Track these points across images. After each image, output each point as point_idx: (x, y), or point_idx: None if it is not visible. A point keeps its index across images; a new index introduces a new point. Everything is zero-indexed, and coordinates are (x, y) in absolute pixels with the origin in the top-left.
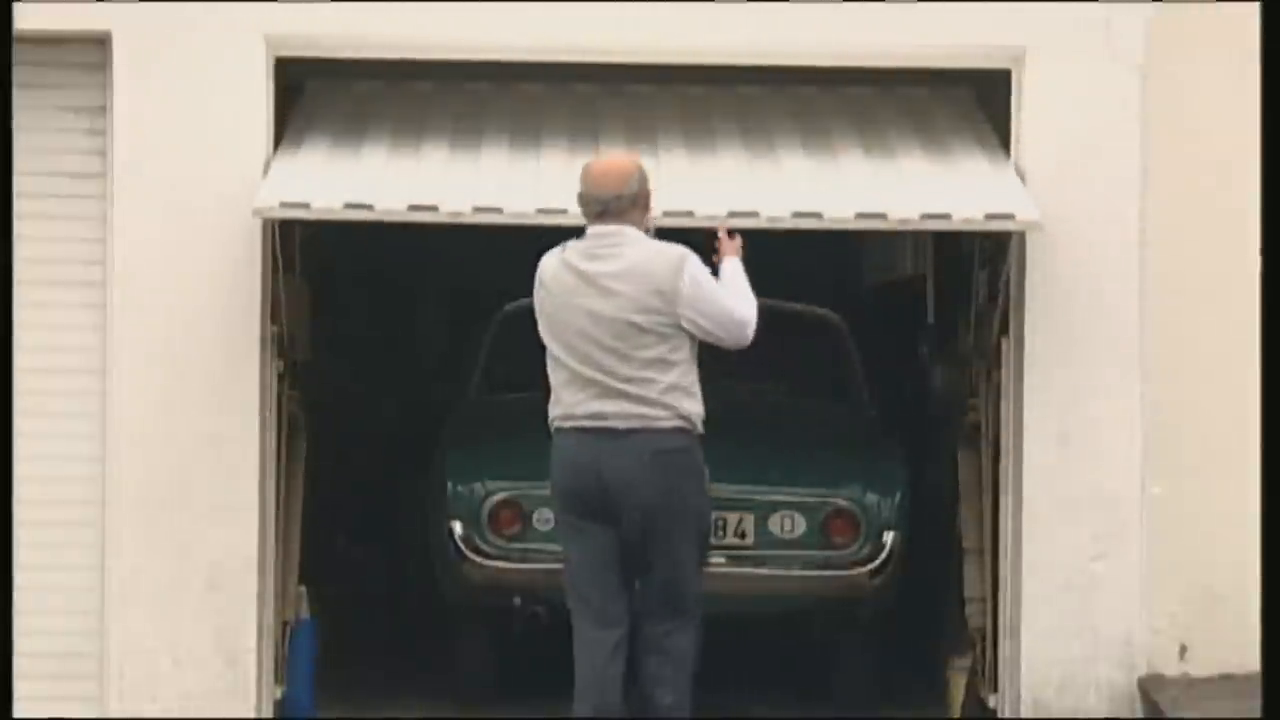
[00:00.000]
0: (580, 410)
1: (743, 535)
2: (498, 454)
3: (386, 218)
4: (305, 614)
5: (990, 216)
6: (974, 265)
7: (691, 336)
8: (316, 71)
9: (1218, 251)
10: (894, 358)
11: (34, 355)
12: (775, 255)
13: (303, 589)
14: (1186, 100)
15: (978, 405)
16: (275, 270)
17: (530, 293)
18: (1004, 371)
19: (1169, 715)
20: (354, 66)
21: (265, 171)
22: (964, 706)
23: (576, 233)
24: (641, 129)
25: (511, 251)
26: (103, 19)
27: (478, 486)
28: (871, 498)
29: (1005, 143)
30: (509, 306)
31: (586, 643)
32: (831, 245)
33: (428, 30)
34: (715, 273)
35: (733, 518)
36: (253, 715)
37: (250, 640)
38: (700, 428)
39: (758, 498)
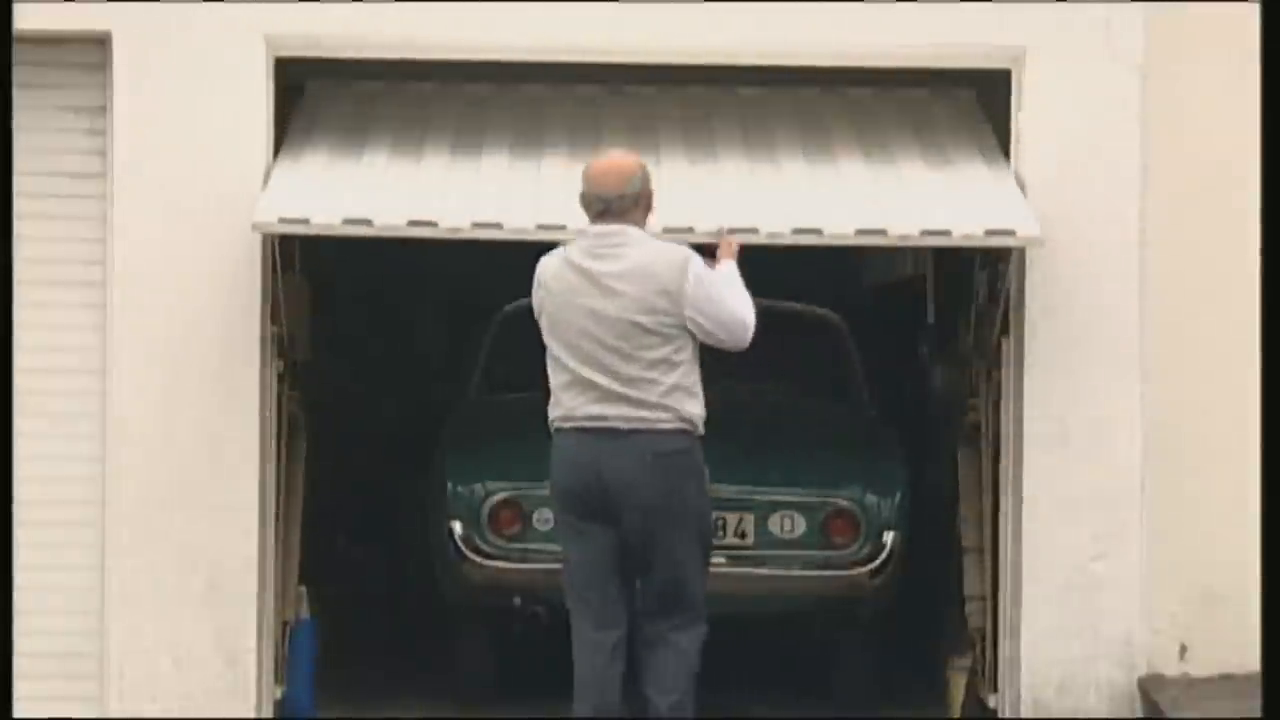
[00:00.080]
0: (581, 412)
1: (743, 535)
2: (498, 454)
3: (386, 233)
4: (305, 614)
5: (991, 233)
6: (974, 266)
7: (693, 337)
8: (316, 72)
9: (1218, 251)
10: (894, 358)
11: (34, 355)
12: (775, 255)
13: (303, 589)
14: (1186, 100)
15: (978, 405)
16: (275, 270)
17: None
18: (1004, 371)
19: (1169, 715)
20: (354, 67)
21: (266, 179)
22: (964, 706)
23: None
24: (642, 131)
25: (512, 251)
26: (103, 19)
27: (478, 486)
28: (871, 498)
29: (1005, 145)
30: (509, 306)
31: (586, 643)
32: (831, 246)
33: (428, 30)
34: None
35: (733, 518)
36: (253, 715)
37: (250, 640)
38: (701, 429)
39: (758, 498)
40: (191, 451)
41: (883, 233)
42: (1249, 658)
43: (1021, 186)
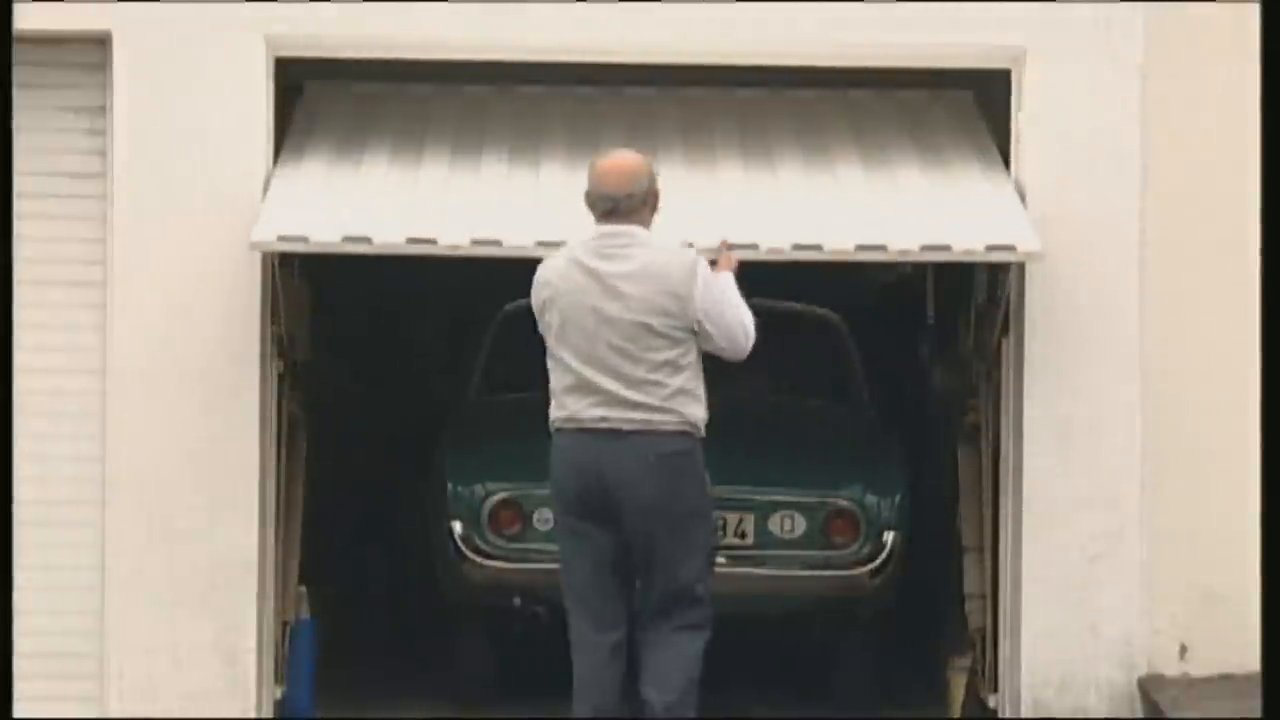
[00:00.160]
0: (584, 415)
1: (743, 535)
2: (498, 454)
3: (385, 250)
4: (305, 614)
5: (991, 248)
6: (974, 267)
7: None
8: (316, 72)
9: (1218, 251)
10: (894, 358)
11: (34, 355)
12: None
13: (303, 589)
14: (1186, 100)
15: (978, 405)
16: (275, 270)
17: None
18: (1004, 372)
19: (1169, 715)
20: (354, 67)
21: (265, 186)
22: (964, 706)
23: None
24: (640, 135)
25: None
26: (103, 19)
27: (478, 486)
28: (871, 498)
29: (1004, 148)
30: (509, 306)
31: (586, 645)
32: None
33: (428, 30)
34: None
35: (733, 518)
36: (253, 715)
37: (250, 640)
38: (703, 431)
39: (758, 498)
40: (191, 451)
41: (883, 248)
42: (1249, 658)
43: (1021, 188)
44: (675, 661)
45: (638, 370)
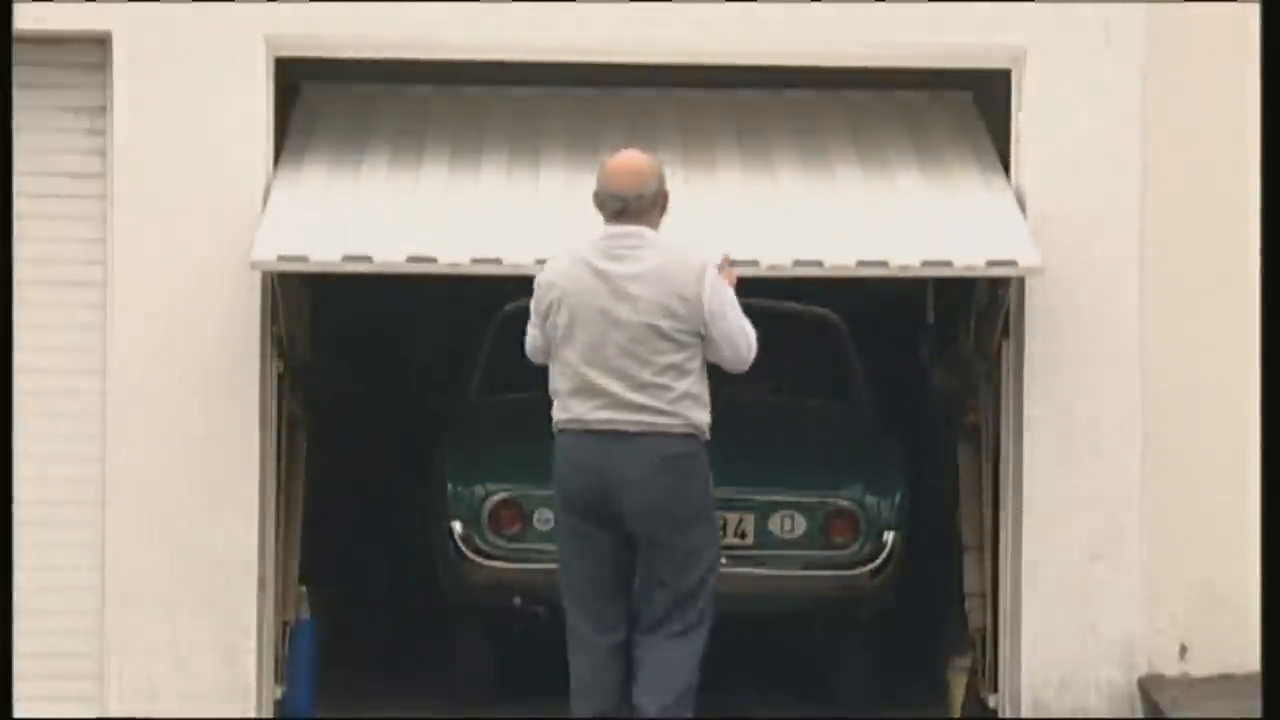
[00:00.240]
0: (590, 417)
1: (743, 535)
2: (498, 454)
3: (385, 269)
4: (305, 614)
5: (993, 263)
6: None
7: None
8: (316, 72)
9: (1218, 251)
10: (894, 358)
11: (34, 355)
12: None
13: (303, 589)
14: (1186, 100)
15: (978, 405)
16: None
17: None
18: (1004, 372)
19: (1169, 715)
20: (353, 67)
21: (265, 194)
22: (964, 706)
23: None
24: (640, 135)
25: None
26: (103, 19)
27: (478, 487)
28: (871, 498)
29: (1004, 149)
30: (509, 306)
31: (585, 646)
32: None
33: (428, 30)
34: None
35: (733, 518)
36: (253, 715)
37: (250, 640)
38: (707, 435)
39: (758, 498)
40: (191, 451)
41: (884, 264)
42: (1249, 658)
43: (1020, 189)
44: (674, 664)
45: (644, 373)
